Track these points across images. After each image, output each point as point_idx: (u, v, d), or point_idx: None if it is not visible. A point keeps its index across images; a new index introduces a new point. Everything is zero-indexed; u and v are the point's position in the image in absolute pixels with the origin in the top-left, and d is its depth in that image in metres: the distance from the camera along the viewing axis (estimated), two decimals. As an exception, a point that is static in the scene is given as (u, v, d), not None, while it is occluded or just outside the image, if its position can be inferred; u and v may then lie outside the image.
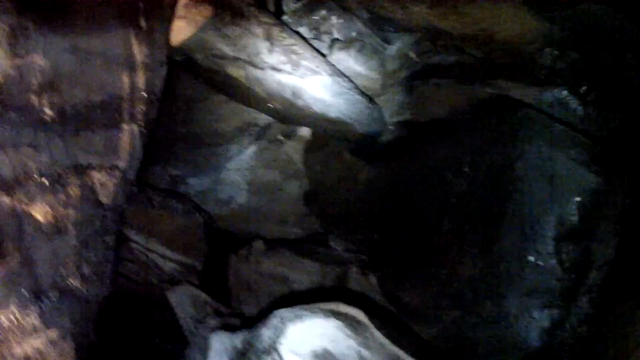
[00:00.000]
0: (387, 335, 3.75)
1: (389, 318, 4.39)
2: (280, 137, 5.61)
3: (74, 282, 3.95)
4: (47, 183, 3.56)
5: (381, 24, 5.22)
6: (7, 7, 3.19)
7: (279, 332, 3.64)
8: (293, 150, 5.59)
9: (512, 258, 4.15)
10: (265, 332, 3.74)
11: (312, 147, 5.54)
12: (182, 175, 5.67)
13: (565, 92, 4.43)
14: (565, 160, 4.05)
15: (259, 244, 5.12)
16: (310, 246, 5.28)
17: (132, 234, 5.17)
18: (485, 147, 4.40)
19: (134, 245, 5.19)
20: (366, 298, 4.82)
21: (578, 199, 4.01)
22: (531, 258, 4.10)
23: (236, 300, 5.14)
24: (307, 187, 5.56)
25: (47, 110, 3.52)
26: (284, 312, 3.79)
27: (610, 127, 4.35)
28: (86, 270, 4.05)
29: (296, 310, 3.80)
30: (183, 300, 4.94)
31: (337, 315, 3.74)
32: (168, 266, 5.28)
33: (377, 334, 3.72)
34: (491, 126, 4.47)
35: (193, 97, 5.62)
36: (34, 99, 3.45)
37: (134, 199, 4.93)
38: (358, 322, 3.77)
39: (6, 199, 3.30)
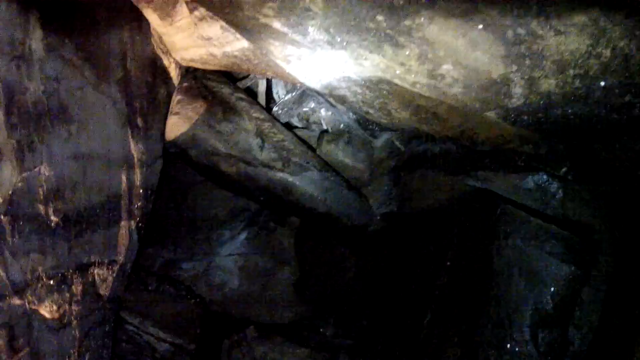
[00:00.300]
0: None
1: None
2: (272, 224, 5.99)
3: None
4: (53, 284, 4.05)
5: (367, 124, 5.63)
6: (13, 122, 3.65)
7: None
8: (284, 237, 5.97)
9: (491, 347, 4.46)
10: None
11: (302, 234, 5.91)
12: (175, 260, 6.00)
13: (545, 177, 4.78)
14: (541, 253, 4.42)
15: (251, 331, 5.46)
16: (301, 332, 5.65)
17: (127, 316, 5.49)
18: (467, 241, 4.75)
19: (129, 327, 5.50)
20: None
21: (553, 288, 4.38)
22: (508, 345, 4.41)
23: None
24: (298, 274, 5.90)
25: (53, 217, 4.00)
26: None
27: (590, 204, 4.70)
28: (87, 358, 4.57)
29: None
30: None
31: None
32: (162, 347, 5.59)
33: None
34: (472, 221, 4.82)
35: (187, 182, 6.01)
36: (41, 207, 3.92)
37: (129, 282, 5.36)
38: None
39: (17, 301, 3.80)
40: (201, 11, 4.29)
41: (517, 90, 3.72)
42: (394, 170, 5.75)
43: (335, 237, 5.81)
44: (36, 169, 3.83)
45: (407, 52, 3.66)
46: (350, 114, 5.66)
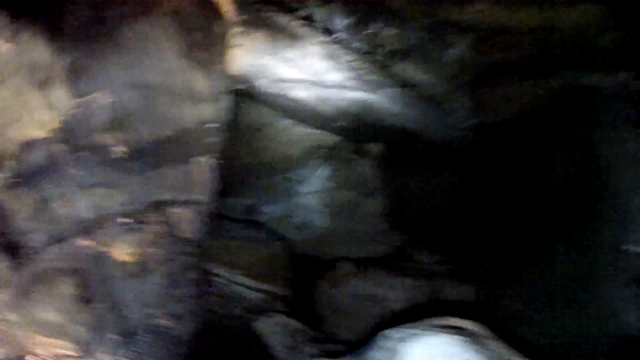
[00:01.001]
0: (506, 345, 3.28)
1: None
2: (351, 156, 5.29)
3: (164, 321, 3.56)
4: (126, 222, 3.12)
5: (440, 29, 4.81)
6: (63, 44, 2.87)
7: (391, 354, 3.19)
8: (366, 168, 5.27)
9: (607, 249, 3.75)
10: (375, 356, 3.30)
11: (384, 162, 5.20)
12: (255, 204, 5.37)
13: (625, 74, 4.06)
14: None
15: (346, 266, 4.80)
16: (396, 263, 4.92)
17: (213, 267, 4.81)
18: (566, 139, 4.10)
19: (216, 278, 4.82)
20: (465, 309, 4.31)
21: None
22: (626, 247, 3.66)
23: (327, 325, 4.78)
24: (386, 204, 5.20)
25: (118, 148, 3.17)
26: (393, 333, 3.33)
27: None
28: (174, 308, 3.67)
29: (406, 329, 3.35)
30: (275, 330, 4.58)
31: (452, 330, 3.27)
32: (253, 296, 4.90)
33: (497, 345, 3.26)
34: (568, 117, 4.18)
35: (255, 125, 5.35)
36: (102, 137, 3.13)
37: (212, 232, 4.52)
38: (475, 335, 3.29)
39: (87, 242, 2.92)
40: None
41: None
42: (469, 83, 4.95)
43: (419, 160, 5.03)
44: (92, 96, 3.06)
45: None
46: (424, 19, 4.82)
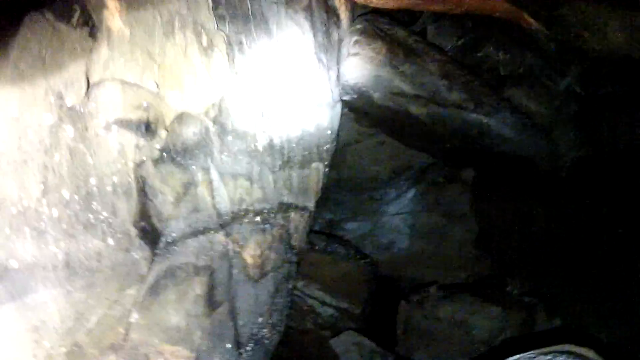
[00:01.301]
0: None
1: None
2: (441, 180, 4.94)
3: (266, 331, 3.33)
4: (259, 221, 2.80)
5: (563, 55, 4.52)
6: (221, 14, 2.62)
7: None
8: (456, 193, 4.90)
9: None
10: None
11: (477, 188, 4.82)
12: (338, 220, 5.04)
13: None
14: None
15: (434, 290, 4.42)
16: (485, 291, 4.52)
17: None
18: None
19: (293, 290, 4.27)
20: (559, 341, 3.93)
21: None
22: None
23: (404, 347, 4.45)
24: (476, 231, 4.81)
25: (261, 139, 2.89)
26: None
27: None
28: (275, 317, 3.43)
29: (525, 356, 3.13)
30: (348, 348, 4.30)
31: (572, 356, 3.08)
32: (326, 312, 4.53)
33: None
34: None
35: (345, 140, 4.95)
36: (250, 124, 2.85)
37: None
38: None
39: (222, 238, 2.49)
40: None
41: None
42: (578, 115, 4.64)
43: (519, 187, 4.66)
44: (246, 76, 2.80)
45: None
46: (533, 53, 4.60)
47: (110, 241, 2.13)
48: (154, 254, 2.37)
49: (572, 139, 4.70)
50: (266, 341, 3.36)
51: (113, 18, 2.06)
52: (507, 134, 4.46)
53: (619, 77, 4.50)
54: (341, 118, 4.59)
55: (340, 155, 4.97)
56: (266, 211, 2.98)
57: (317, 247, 4.72)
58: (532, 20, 4.17)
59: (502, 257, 4.74)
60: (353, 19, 4.66)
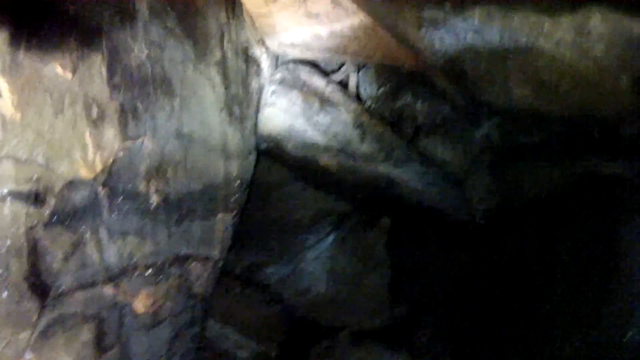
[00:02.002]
0: None
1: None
2: (360, 227, 5.28)
3: None
4: (150, 273, 3.30)
5: (474, 108, 4.94)
6: (116, 82, 3.05)
7: None
8: (374, 239, 5.25)
9: (612, 336, 3.85)
10: None
11: (394, 235, 5.20)
12: (259, 263, 5.27)
13: None
14: None
15: (344, 336, 4.82)
16: (397, 337, 4.91)
17: (208, 321, 4.72)
18: (585, 226, 4.20)
19: (207, 332, 4.72)
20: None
21: None
22: (630, 334, 3.77)
23: None
24: (391, 277, 5.18)
25: (154, 198, 3.36)
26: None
27: None
28: (175, 361, 3.73)
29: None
30: None
31: None
32: (242, 355, 4.88)
33: None
34: (590, 204, 4.29)
35: (269, 184, 5.32)
36: (142, 185, 3.30)
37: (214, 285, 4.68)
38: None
39: (110, 290, 3.05)
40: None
41: None
42: (492, 164, 5.08)
43: (433, 237, 5.12)
44: (140, 140, 3.25)
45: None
46: (459, 97, 4.94)
47: (4, 294, 2.71)
48: (44, 305, 2.93)
49: (485, 189, 5.09)
50: (166, 383, 3.87)
51: (7, 105, 2.61)
52: (416, 186, 4.89)
53: (531, 129, 4.91)
54: (266, 162, 5.13)
55: (265, 198, 5.35)
56: (159, 264, 3.46)
57: (234, 291, 5.01)
58: (439, 77, 4.71)
59: (414, 304, 5.17)
60: (275, 67, 5.20)
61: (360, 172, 4.89)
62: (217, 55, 4.09)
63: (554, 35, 3.35)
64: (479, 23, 3.48)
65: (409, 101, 5.13)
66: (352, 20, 4.05)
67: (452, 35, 3.65)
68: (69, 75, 2.83)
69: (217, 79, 4.09)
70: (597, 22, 3.22)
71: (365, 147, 4.84)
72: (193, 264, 3.79)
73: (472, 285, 4.97)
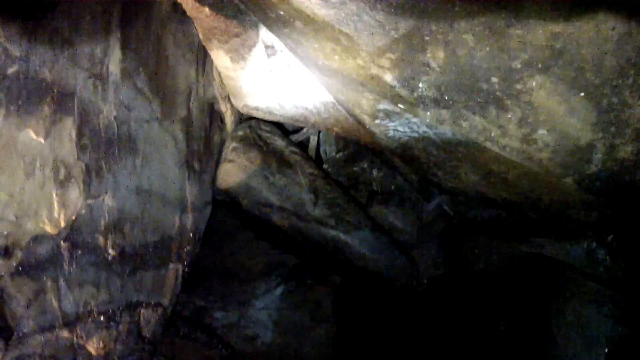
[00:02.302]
0: None
1: None
2: (310, 281, 5.60)
3: None
4: (103, 320, 3.67)
5: (427, 187, 5.38)
6: (84, 144, 3.42)
7: None
8: (323, 295, 5.56)
9: None
10: None
11: (342, 293, 5.53)
12: (208, 307, 5.57)
13: (593, 243, 4.65)
14: (598, 316, 4.22)
15: None
16: None
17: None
18: (523, 306, 4.52)
19: None
20: None
21: (607, 349, 4.15)
22: None
23: None
24: (336, 333, 5.45)
25: (111, 251, 3.70)
26: None
27: (635, 269, 4.52)
28: (124, 403, 4.10)
29: None
30: None
31: None
32: None
33: None
34: (529, 285, 4.61)
35: (225, 232, 5.67)
36: (100, 239, 3.64)
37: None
38: None
39: (66, 334, 3.44)
40: (282, 57, 3.92)
41: (598, 156, 3.57)
42: (443, 234, 5.51)
43: (380, 299, 5.46)
44: (101, 198, 3.61)
45: (510, 116, 3.47)
46: (404, 176, 5.46)
47: (-26, 337, 3.10)
48: (7, 345, 3.36)
49: (433, 257, 5.49)
50: None
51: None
52: (364, 252, 5.25)
53: (481, 207, 5.35)
54: (221, 212, 5.53)
55: (217, 246, 5.67)
56: (112, 311, 3.87)
57: (181, 333, 5.30)
58: (394, 156, 5.05)
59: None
60: (238, 122, 5.61)
61: (310, 235, 5.24)
62: (183, 112, 4.48)
63: (501, 141, 3.66)
64: (432, 123, 3.77)
65: (366, 168, 5.56)
66: (316, 96, 4.35)
67: (405, 126, 3.96)
68: (41, 139, 3.20)
69: (180, 135, 4.46)
70: (545, 132, 3.55)
71: (317, 212, 5.20)
72: (143, 311, 4.15)
73: (414, 350, 5.32)
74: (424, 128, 3.92)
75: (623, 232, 4.53)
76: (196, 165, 4.63)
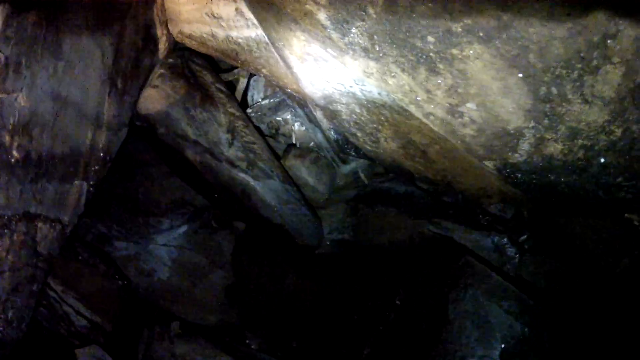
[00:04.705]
0: None
1: None
2: (214, 224, 5.42)
3: None
4: (-6, 225, 3.33)
5: (345, 147, 5.15)
6: (8, 35, 3.12)
7: None
8: (224, 240, 5.41)
9: None
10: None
11: (244, 241, 5.37)
12: (110, 236, 5.37)
13: (505, 240, 4.52)
14: (498, 310, 4.09)
15: (175, 326, 4.85)
16: (227, 339, 5.03)
17: (51, 281, 4.81)
18: (421, 284, 4.40)
19: (51, 292, 4.84)
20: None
21: (503, 345, 4.04)
22: None
23: None
24: (232, 280, 5.35)
25: (15, 152, 3.40)
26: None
27: (542, 273, 4.44)
28: (10, 314, 3.90)
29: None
30: None
31: None
32: (79, 322, 4.95)
33: None
34: (429, 265, 4.49)
35: (139, 161, 5.43)
36: (6, 138, 3.34)
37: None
38: None
39: (-46, 234, 3.10)
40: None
41: (525, 146, 3.47)
42: (353, 200, 5.38)
43: (280, 252, 5.26)
44: (14, 94, 3.29)
45: (440, 81, 3.30)
46: (324, 134, 5.24)
47: None
48: None
49: (340, 221, 5.35)
50: (-1, 335, 3.94)
51: None
52: (271, 202, 5.10)
53: (397, 180, 5.20)
54: (137, 140, 5.23)
55: (130, 174, 5.42)
56: (6, 217, 3.57)
57: (81, 258, 5.07)
58: (316, 109, 4.82)
59: (251, 311, 5.39)
60: (172, 51, 5.32)
61: (220, 174, 5.07)
62: (117, 27, 4.20)
63: (426, 108, 3.51)
64: (358, 75, 3.61)
65: (289, 119, 5.38)
66: (249, 32, 4.17)
67: (332, 76, 3.77)
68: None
69: (110, 50, 4.19)
70: (474, 107, 3.40)
71: (231, 153, 5.03)
72: (41, 224, 3.85)
73: (306, 308, 5.18)
74: (350, 82, 3.74)
75: (536, 235, 4.45)
76: (119, 84, 4.36)
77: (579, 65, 2.99)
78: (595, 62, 2.96)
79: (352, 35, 3.35)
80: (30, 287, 4.03)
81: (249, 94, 5.61)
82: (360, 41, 3.35)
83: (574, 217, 4.16)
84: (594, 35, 2.87)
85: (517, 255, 4.54)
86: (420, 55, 3.25)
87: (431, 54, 3.21)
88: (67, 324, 4.86)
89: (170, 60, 5.09)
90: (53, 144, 3.78)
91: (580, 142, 3.35)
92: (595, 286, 4.22)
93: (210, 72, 5.23)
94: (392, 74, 3.45)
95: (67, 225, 4.24)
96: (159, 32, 4.88)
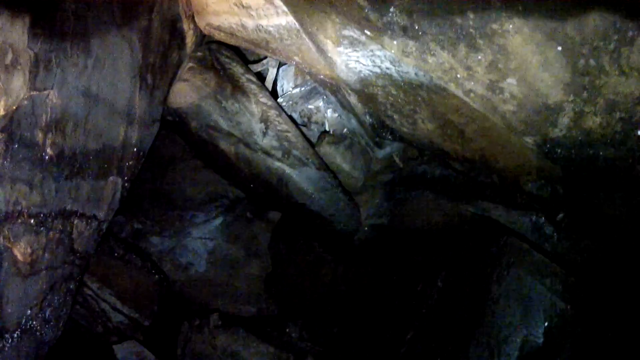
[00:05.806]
0: None
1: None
2: (249, 215, 5.45)
3: (36, 323, 3.75)
4: (33, 223, 3.33)
5: (380, 131, 5.07)
6: (37, 32, 3.04)
7: None
8: (260, 230, 5.44)
9: None
10: None
11: (280, 231, 5.38)
12: (145, 232, 5.42)
13: (542, 219, 4.50)
14: (541, 287, 4.02)
15: (215, 317, 4.83)
16: (265, 328, 5.03)
17: (88, 279, 4.85)
18: (462, 264, 4.34)
19: (87, 290, 4.87)
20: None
21: (547, 323, 3.98)
22: None
23: None
24: (269, 269, 5.36)
25: (49, 150, 3.37)
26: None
27: (579, 251, 4.41)
28: (48, 313, 3.87)
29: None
30: (128, 356, 4.73)
31: None
32: (116, 318, 4.98)
33: None
34: (470, 246, 4.44)
35: (170, 157, 5.49)
36: (39, 136, 3.29)
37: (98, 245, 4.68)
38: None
39: (-7, 233, 3.06)
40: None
41: (564, 120, 3.37)
42: (389, 184, 5.30)
43: (316, 240, 5.28)
44: (46, 92, 3.22)
45: (480, 57, 3.21)
46: (358, 119, 5.15)
47: None
48: None
49: (377, 206, 5.26)
50: (37, 334, 3.89)
51: None
52: (307, 189, 5.00)
53: (433, 163, 5.11)
54: (169, 134, 5.20)
55: (162, 169, 5.43)
56: (43, 215, 3.53)
57: (116, 254, 5.08)
58: (351, 93, 4.81)
59: (290, 300, 5.37)
60: (199, 44, 5.27)
61: (256, 164, 4.98)
62: (144, 22, 4.13)
63: (466, 85, 3.41)
64: (395, 56, 3.53)
65: (321, 107, 5.28)
66: (279, 19, 4.07)
67: (368, 59, 3.69)
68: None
69: (138, 45, 4.12)
70: (514, 82, 3.31)
71: (266, 142, 4.94)
72: (77, 221, 3.82)
73: (345, 295, 5.13)
74: (387, 64, 3.65)
75: (573, 213, 4.36)
76: (149, 79, 4.31)
77: (616, 37, 2.91)
78: (630, 34, 2.88)
79: (390, 14, 3.26)
80: (67, 285, 4.00)
81: (279, 83, 5.54)
82: (399, 20, 3.27)
83: (613, 192, 4.00)
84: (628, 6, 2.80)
85: (554, 234, 4.50)
86: (460, 31, 3.16)
87: (471, 30, 3.13)
88: (104, 320, 4.88)
89: (199, 53, 5.03)
90: (86, 141, 3.73)
91: (618, 114, 3.26)
92: (633, 264, 4.14)
93: (239, 63, 5.15)
94: (432, 53, 3.36)
95: (103, 221, 4.20)
96: (186, 26, 4.83)
